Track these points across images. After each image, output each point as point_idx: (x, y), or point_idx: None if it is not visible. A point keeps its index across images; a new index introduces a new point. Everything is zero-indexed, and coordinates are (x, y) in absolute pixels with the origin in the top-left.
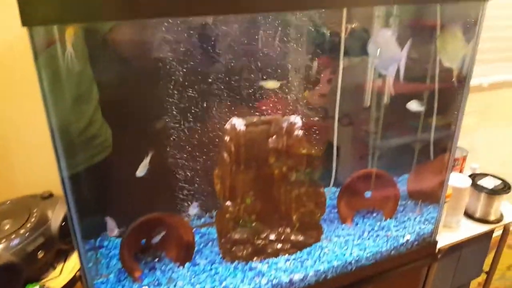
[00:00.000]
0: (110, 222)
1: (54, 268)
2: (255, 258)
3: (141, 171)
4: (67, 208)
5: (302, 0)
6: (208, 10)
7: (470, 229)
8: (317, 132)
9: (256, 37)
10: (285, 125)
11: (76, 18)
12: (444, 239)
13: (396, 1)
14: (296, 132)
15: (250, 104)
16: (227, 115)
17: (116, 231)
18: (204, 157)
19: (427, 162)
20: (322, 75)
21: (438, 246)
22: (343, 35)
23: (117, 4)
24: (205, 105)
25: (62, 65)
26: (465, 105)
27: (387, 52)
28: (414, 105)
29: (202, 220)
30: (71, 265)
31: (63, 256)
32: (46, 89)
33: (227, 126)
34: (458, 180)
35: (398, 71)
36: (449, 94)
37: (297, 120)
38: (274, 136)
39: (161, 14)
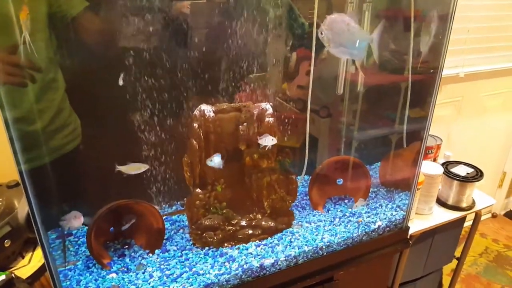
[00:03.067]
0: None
1: (23, 257)
2: (225, 244)
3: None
4: (25, 195)
5: None
6: None
7: (443, 216)
8: (292, 122)
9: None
10: (256, 111)
11: None
12: (416, 226)
13: None
14: (267, 119)
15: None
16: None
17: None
18: (174, 145)
19: (399, 150)
20: (300, 66)
21: (410, 232)
22: (314, 23)
23: None
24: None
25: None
26: (438, 91)
27: (348, 36)
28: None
29: (174, 207)
30: (40, 254)
31: (32, 245)
32: None
33: (196, 112)
34: (430, 167)
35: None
36: (423, 84)
37: (268, 107)
38: (244, 123)
39: None
